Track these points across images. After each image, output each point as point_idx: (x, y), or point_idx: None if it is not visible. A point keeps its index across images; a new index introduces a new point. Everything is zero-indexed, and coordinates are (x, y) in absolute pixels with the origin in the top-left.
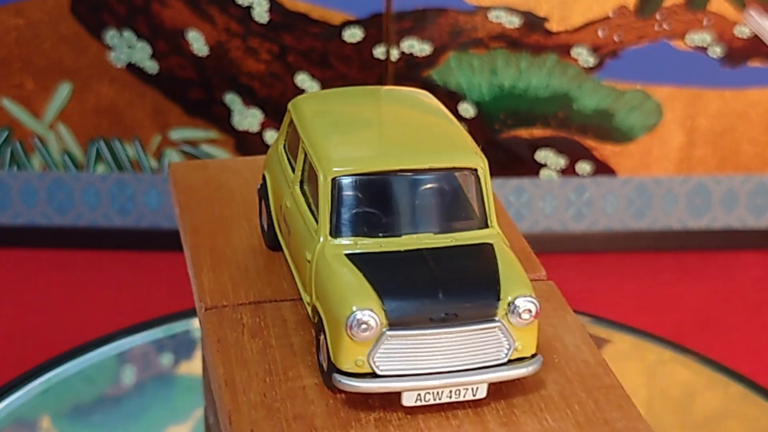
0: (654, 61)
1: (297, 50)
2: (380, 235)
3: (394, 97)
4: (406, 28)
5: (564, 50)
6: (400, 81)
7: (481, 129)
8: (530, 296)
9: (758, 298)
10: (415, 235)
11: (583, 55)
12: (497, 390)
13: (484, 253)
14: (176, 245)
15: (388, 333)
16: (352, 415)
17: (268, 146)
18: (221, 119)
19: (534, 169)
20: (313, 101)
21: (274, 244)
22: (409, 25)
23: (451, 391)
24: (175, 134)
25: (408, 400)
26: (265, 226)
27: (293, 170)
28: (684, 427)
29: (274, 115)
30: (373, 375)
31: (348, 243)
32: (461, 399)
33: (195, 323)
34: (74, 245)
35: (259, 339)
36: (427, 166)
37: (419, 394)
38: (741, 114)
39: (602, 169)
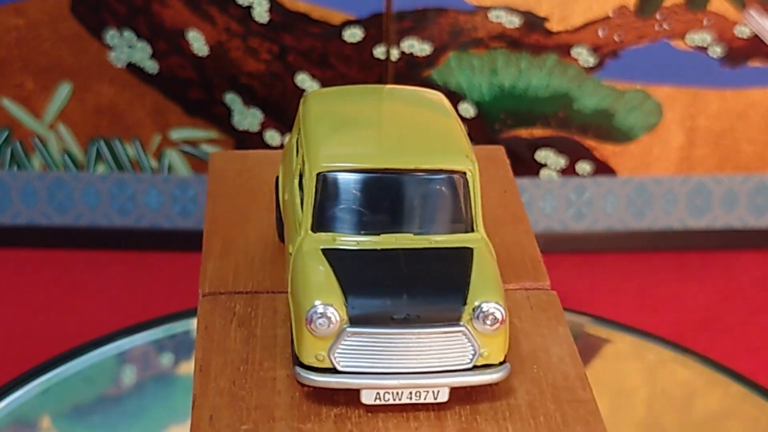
0: (654, 61)
1: (297, 50)
2: (360, 232)
3: (404, 96)
4: (406, 28)
5: (564, 50)
6: (400, 81)
7: (481, 129)
8: (496, 303)
9: (759, 298)
10: (394, 235)
11: (583, 55)
12: (465, 395)
13: (461, 257)
14: (176, 245)
15: (349, 329)
16: (313, 409)
17: (268, 146)
18: (221, 119)
19: (534, 169)
20: (323, 97)
21: (283, 237)
22: (409, 25)
23: (411, 393)
24: (175, 134)
25: (367, 398)
26: (276, 219)
27: (295, 164)
28: (684, 427)
29: (274, 115)
30: (334, 370)
31: (327, 238)
32: (422, 401)
33: (195, 323)
34: (74, 245)
35: (245, 328)
36: (413, 167)
37: (378, 393)
38: (741, 114)
39: (602, 169)
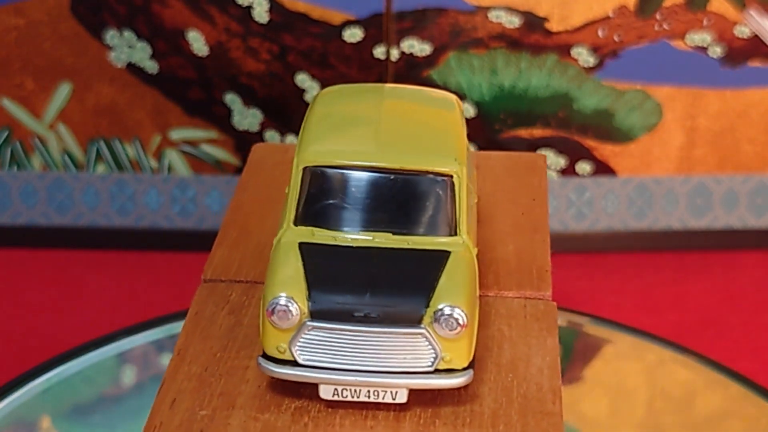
0: (654, 61)
1: (297, 50)
2: (340, 228)
3: (413, 97)
4: (406, 28)
5: (564, 50)
6: (400, 81)
7: (481, 129)
8: (459, 307)
9: (759, 298)
10: (372, 233)
11: (583, 55)
12: (430, 398)
13: (434, 260)
14: (176, 245)
15: (309, 323)
16: (275, 400)
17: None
18: (221, 119)
19: None
20: (333, 94)
21: None
22: (409, 25)
23: (369, 391)
24: (175, 134)
25: (325, 393)
26: None
27: None
28: (684, 427)
29: (274, 115)
30: (294, 363)
31: (306, 232)
32: (380, 400)
33: None
34: (74, 245)
35: (234, 317)
36: (398, 166)
37: (336, 389)
38: (741, 114)
39: (602, 169)
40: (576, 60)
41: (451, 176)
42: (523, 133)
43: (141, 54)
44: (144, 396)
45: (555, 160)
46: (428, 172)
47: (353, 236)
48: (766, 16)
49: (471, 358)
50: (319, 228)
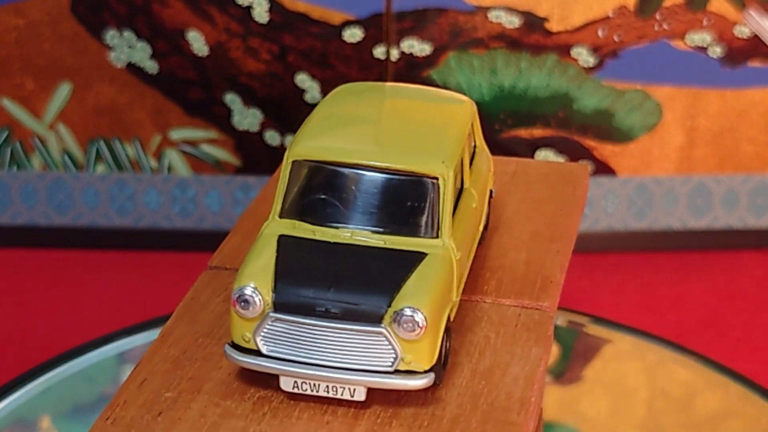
0: (654, 61)
1: (297, 50)
2: (322, 224)
3: (422, 97)
4: (406, 28)
5: (564, 50)
6: (400, 81)
7: (481, 129)
8: (419, 310)
9: (759, 298)
10: (351, 230)
11: (583, 55)
12: (395, 398)
13: (407, 261)
14: (176, 245)
15: (272, 315)
16: (241, 388)
17: (268, 146)
18: (221, 119)
19: None
20: (344, 92)
21: None
22: (409, 25)
23: (328, 386)
24: (175, 134)
25: (286, 384)
26: None
27: None
28: (684, 427)
29: (274, 115)
30: (258, 353)
31: (288, 225)
32: (338, 396)
33: None
34: (74, 245)
35: (227, 304)
36: (383, 165)
37: (296, 382)
38: (741, 114)
39: (602, 169)
40: (576, 60)
41: (437, 178)
42: (523, 133)
43: (141, 54)
44: None
45: (555, 159)
46: (413, 173)
47: (333, 232)
48: (766, 16)
49: (433, 362)
50: (302, 222)
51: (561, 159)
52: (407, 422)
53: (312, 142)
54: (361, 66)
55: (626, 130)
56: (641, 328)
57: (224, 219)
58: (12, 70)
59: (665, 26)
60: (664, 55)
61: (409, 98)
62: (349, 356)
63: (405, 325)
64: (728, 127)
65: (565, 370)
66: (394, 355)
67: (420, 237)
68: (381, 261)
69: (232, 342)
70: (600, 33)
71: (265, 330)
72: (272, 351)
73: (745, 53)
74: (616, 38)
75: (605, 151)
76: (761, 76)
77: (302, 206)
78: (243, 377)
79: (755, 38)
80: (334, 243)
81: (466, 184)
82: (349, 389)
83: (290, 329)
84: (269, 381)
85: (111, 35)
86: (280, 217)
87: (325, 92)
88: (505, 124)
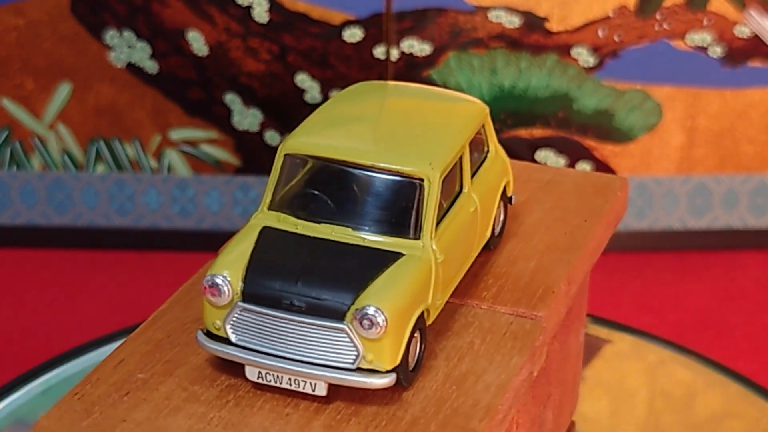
0: (654, 61)
1: (297, 50)
2: (305, 218)
3: (432, 99)
4: (406, 28)
5: (564, 50)
6: (400, 81)
7: None
8: (380, 309)
9: (759, 298)
10: (332, 226)
11: (583, 55)
12: (360, 396)
13: (382, 260)
14: (176, 245)
15: (240, 304)
16: (212, 375)
17: (268, 146)
18: (221, 119)
19: None
20: (357, 90)
21: None
22: (409, 25)
23: (290, 379)
24: (175, 134)
25: (251, 374)
26: None
27: None
28: (684, 427)
29: (274, 115)
30: (227, 341)
31: (274, 218)
32: (300, 390)
33: None
34: (74, 245)
35: None
36: (369, 164)
37: (261, 372)
38: (741, 114)
39: (602, 169)
40: (576, 60)
41: (422, 180)
42: (523, 133)
43: (141, 54)
44: None
45: (555, 160)
46: (399, 173)
47: (315, 227)
48: (766, 16)
49: (396, 362)
50: (288, 215)
51: (561, 159)
52: (366, 421)
53: (305, 137)
54: (361, 66)
55: (626, 130)
56: (641, 328)
57: (224, 219)
58: (12, 70)
59: (665, 26)
60: (664, 55)
61: (417, 99)
62: (312, 351)
63: (365, 323)
64: (728, 127)
65: None
66: (355, 353)
67: (400, 237)
68: (355, 258)
69: (206, 329)
70: (600, 33)
71: (233, 319)
72: (240, 340)
73: (745, 53)
74: (616, 38)
75: (605, 151)
76: (761, 76)
77: (289, 200)
78: (217, 364)
79: (755, 38)
80: (314, 238)
81: (465, 188)
82: (311, 383)
83: (257, 320)
84: (240, 370)
85: (111, 35)
86: (269, 209)
87: (325, 92)
88: (505, 124)
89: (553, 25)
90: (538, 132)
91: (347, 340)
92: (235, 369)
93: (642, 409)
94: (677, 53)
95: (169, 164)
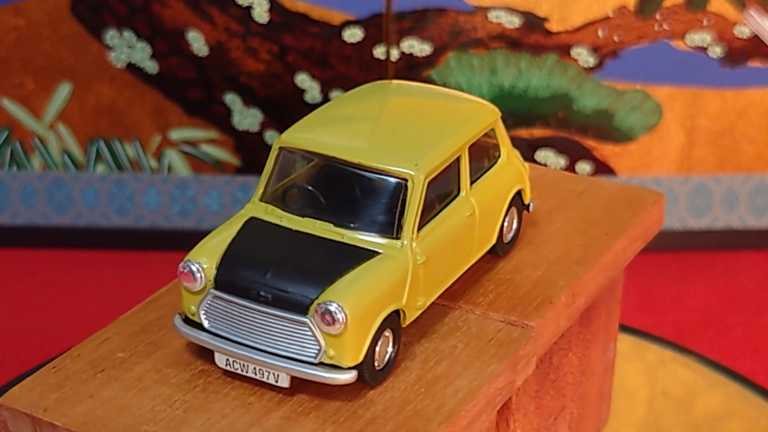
0: (654, 61)
1: (297, 50)
2: (290, 211)
3: (440, 100)
4: (406, 28)
5: (564, 50)
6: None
7: None
8: (341, 305)
9: (759, 298)
10: (314, 221)
11: (583, 55)
12: (326, 391)
13: (356, 257)
14: (176, 245)
15: (212, 291)
16: (188, 359)
17: (268, 146)
18: (221, 119)
19: None
20: (367, 89)
21: None
22: (409, 25)
23: (255, 369)
24: (175, 134)
25: (219, 360)
26: None
27: None
28: (684, 427)
29: (274, 115)
30: (200, 327)
31: (262, 209)
32: (264, 380)
33: None
34: (74, 245)
35: None
36: (357, 162)
37: (228, 360)
38: (741, 114)
39: (602, 169)
40: (576, 60)
41: (406, 180)
42: (523, 133)
43: (141, 54)
44: None
45: (555, 160)
46: (384, 172)
47: (300, 221)
48: (766, 16)
49: (358, 360)
50: (276, 207)
51: (561, 159)
52: (325, 415)
53: (300, 132)
54: (361, 66)
55: (626, 130)
56: (641, 328)
57: (224, 219)
58: (12, 70)
59: (665, 26)
60: (664, 55)
61: (424, 100)
62: (277, 342)
63: (326, 319)
64: (728, 127)
65: None
66: (317, 348)
67: (380, 236)
68: (330, 254)
69: (184, 314)
70: (600, 33)
71: (206, 306)
72: (213, 326)
73: (745, 53)
74: (616, 38)
75: (605, 151)
76: (761, 76)
77: (279, 192)
78: (195, 349)
79: (755, 38)
80: (295, 231)
81: (463, 192)
82: (274, 374)
83: (227, 308)
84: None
85: (111, 35)
86: (260, 200)
87: (325, 92)
88: (505, 124)
89: (553, 25)
90: (538, 132)
91: (310, 334)
92: (211, 355)
93: (642, 409)
94: (677, 53)
95: (169, 164)
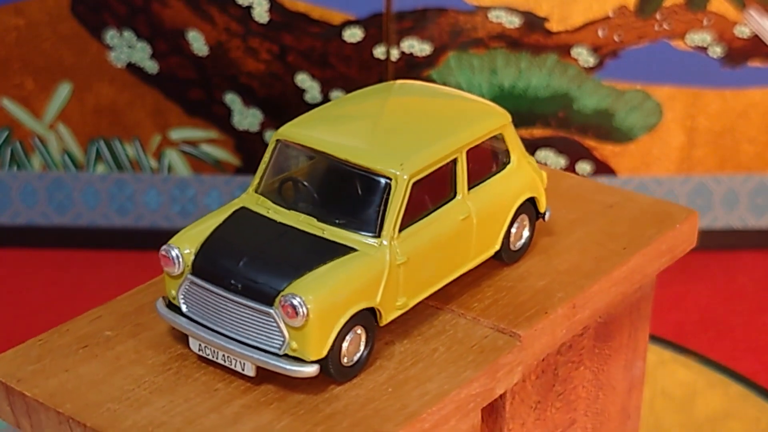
0: (654, 61)
1: (297, 50)
2: (279, 203)
3: (450, 101)
4: (406, 28)
5: (564, 50)
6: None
7: None
8: (303, 298)
9: (759, 298)
10: (299, 215)
11: (583, 55)
12: (293, 384)
13: (331, 252)
14: None
15: (189, 276)
16: (170, 342)
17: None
18: (221, 119)
19: None
20: (378, 88)
21: None
22: (409, 25)
23: (224, 356)
24: (175, 134)
25: (193, 345)
26: None
27: None
28: (684, 427)
29: (274, 115)
30: (179, 311)
31: (254, 200)
32: (232, 367)
33: None
34: (74, 245)
35: None
36: (344, 158)
37: (200, 345)
38: (741, 114)
39: (602, 169)
40: (576, 60)
41: (390, 179)
42: (523, 133)
43: (141, 54)
44: None
45: (555, 160)
46: (369, 170)
47: (286, 213)
48: (766, 16)
49: (321, 354)
50: (266, 199)
51: (561, 159)
52: (285, 407)
53: (298, 126)
54: (361, 66)
55: (626, 130)
56: None
57: None
58: (12, 70)
59: (665, 26)
60: (664, 55)
61: (431, 101)
62: (245, 331)
63: (288, 311)
64: (728, 127)
65: None
66: (282, 339)
67: (360, 233)
68: (306, 247)
69: (166, 296)
70: (600, 33)
71: (184, 290)
72: (190, 311)
73: (745, 53)
74: (616, 38)
75: (605, 151)
76: (761, 76)
77: (271, 185)
78: (179, 333)
79: (755, 38)
80: (279, 223)
81: (459, 195)
82: (240, 363)
83: (202, 294)
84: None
85: (111, 35)
86: (255, 191)
87: (325, 92)
88: None
89: (553, 25)
90: (538, 132)
91: (275, 325)
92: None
93: (642, 410)
94: (677, 53)
95: (169, 164)
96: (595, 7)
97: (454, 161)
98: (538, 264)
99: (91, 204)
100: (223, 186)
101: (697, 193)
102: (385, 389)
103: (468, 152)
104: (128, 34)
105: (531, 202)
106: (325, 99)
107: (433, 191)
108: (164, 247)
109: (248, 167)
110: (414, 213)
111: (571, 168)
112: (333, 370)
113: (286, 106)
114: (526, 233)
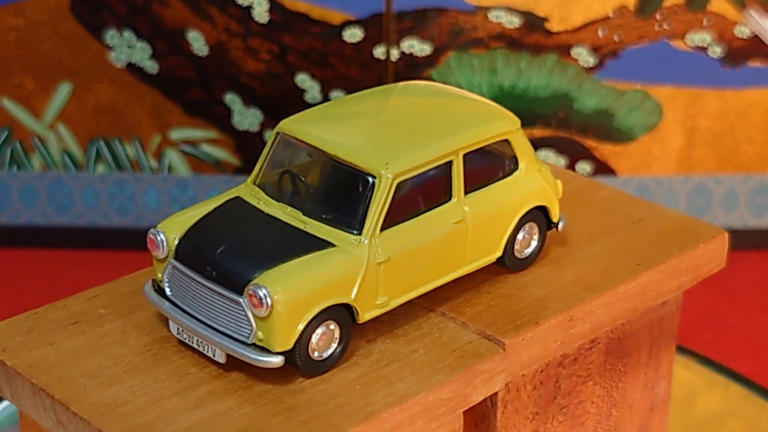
0: (654, 61)
1: (297, 50)
2: (270, 195)
3: (457, 103)
4: (406, 28)
5: (564, 50)
6: (400, 81)
7: None
8: (269, 290)
9: (759, 298)
10: (285, 207)
11: (583, 55)
12: (263, 374)
13: (309, 246)
14: None
15: (171, 261)
16: (155, 325)
17: None
18: (221, 119)
19: None
20: (387, 88)
21: None
22: (409, 25)
23: (198, 341)
24: (175, 134)
25: (172, 328)
26: None
27: None
28: (684, 427)
29: (274, 115)
30: (163, 293)
31: (249, 190)
32: (205, 353)
33: None
34: (74, 245)
35: None
36: (333, 154)
37: (178, 329)
38: (741, 114)
39: (602, 169)
40: (576, 60)
41: (375, 177)
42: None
43: (141, 54)
44: None
45: (555, 160)
46: (355, 167)
47: (276, 205)
48: (766, 16)
49: (287, 346)
50: (260, 190)
51: (561, 159)
52: (250, 396)
53: (298, 121)
54: (361, 66)
55: (626, 130)
56: None
57: None
58: (12, 70)
59: (665, 26)
60: (664, 55)
61: (437, 102)
62: (218, 318)
63: (252, 300)
64: (728, 127)
65: None
66: (250, 328)
67: (341, 229)
68: (286, 240)
69: (155, 279)
70: (600, 33)
71: (168, 274)
72: (172, 295)
73: (745, 53)
74: (616, 38)
75: (605, 151)
76: (761, 76)
77: (267, 176)
78: (164, 318)
79: (755, 38)
80: (265, 214)
81: (455, 198)
82: (211, 349)
83: (182, 279)
84: None
85: (111, 35)
86: (253, 182)
87: (325, 92)
88: None
89: (553, 25)
90: (538, 132)
91: (244, 314)
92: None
93: None
94: (677, 53)
95: (169, 164)
96: (595, 7)
97: (449, 164)
98: (544, 274)
99: (91, 204)
100: (223, 186)
101: (696, 193)
102: (353, 386)
103: (467, 156)
104: (128, 34)
105: (543, 211)
106: (325, 99)
107: (427, 193)
108: (151, 230)
109: (248, 167)
110: (401, 213)
111: (571, 168)
112: (300, 363)
113: (286, 106)
114: (534, 242)
